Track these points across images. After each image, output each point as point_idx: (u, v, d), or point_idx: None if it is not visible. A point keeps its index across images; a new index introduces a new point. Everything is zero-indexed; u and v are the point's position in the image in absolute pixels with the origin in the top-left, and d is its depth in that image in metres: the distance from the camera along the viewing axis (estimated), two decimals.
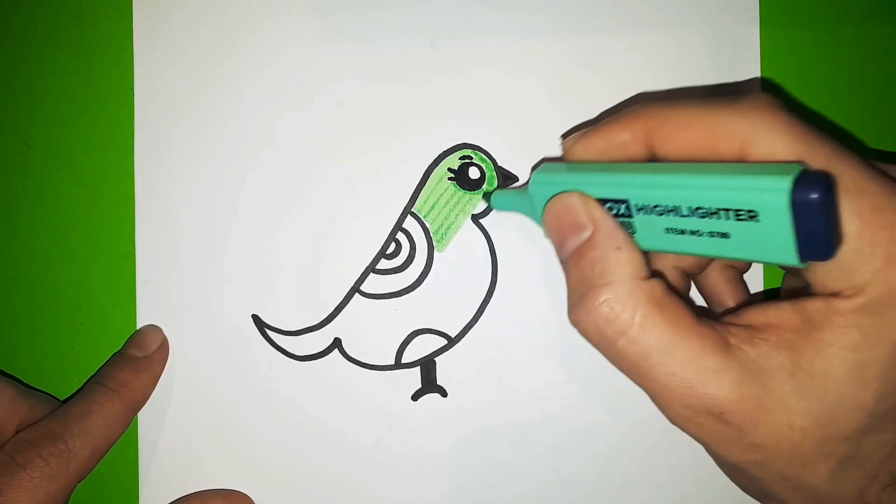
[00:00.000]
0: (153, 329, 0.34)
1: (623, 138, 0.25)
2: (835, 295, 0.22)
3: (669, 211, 0.23)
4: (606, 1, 0.34)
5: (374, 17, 0.34)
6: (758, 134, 0.22)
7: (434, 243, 0.34)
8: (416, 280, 0.34)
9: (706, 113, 0.23)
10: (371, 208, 0.34)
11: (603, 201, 0.24)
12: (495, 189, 0.32)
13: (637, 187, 0.23)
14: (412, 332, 0.34)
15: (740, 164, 0.22)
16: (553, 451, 0.33)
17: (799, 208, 0.20)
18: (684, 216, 0.22)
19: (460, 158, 0.34)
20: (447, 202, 0.34)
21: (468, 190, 0.34)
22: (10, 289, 0.35)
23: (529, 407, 0.33)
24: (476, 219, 0.34)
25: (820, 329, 0.22)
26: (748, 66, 0.34)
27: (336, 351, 0.34)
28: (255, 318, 0.34)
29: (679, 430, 0.24)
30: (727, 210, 0.21)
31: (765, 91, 0.23)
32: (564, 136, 0.28)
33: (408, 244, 0.34)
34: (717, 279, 0.31)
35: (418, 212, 0.34)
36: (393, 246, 0.34)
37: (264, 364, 0.34)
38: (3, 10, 0.35)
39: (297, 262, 0.34)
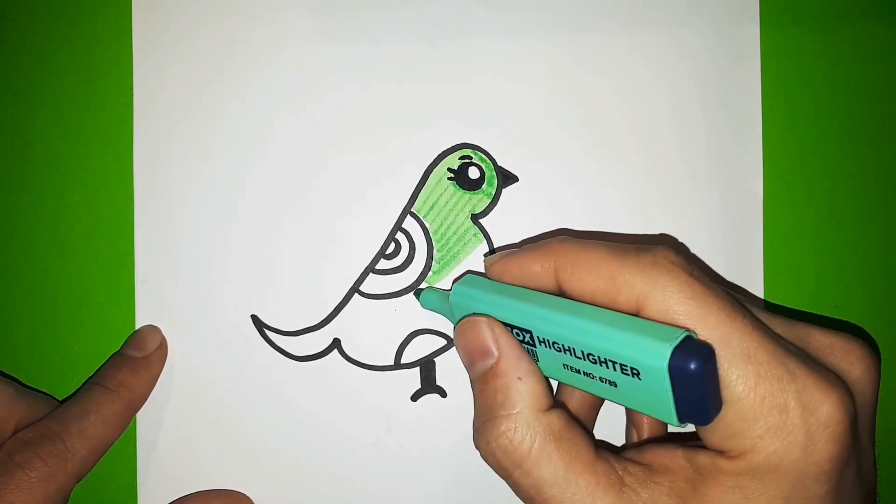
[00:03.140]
0: (152, 329, 0.34)
1: (535, 269, 0.26)
2: (721, 453, 0.22)
3: (565, 350, 0.24)
4: (606, 1, 0.34)
5: (373, 17, 0.34)
6: (653, 291, 0.23)
7: (434, 244, 0.34)
8: (416, 280, 0.34)
9: (609, 262, 0.24)
10: (370, 208, 0.34)
11: (512, 327, 0.26)
12: (427, 288, 0.33)
13: (538, 320, 0.25)
14: (412, 333, 0.34)
15: (634, 318, 0.23)
16: None
17: (676, 376, 0.21)
18: (578, 358, 0.23)
19: (460, 158, 0.34)
20: (447, 202, 0.34)
21: (468, 190, 0.34)
22: (10, 288, 0.35)
23: None
24: (476, 219, 0.34)
25: (707, 485, 0.22)
26: (748, 66, 0.34)
27: (335, 351, 0.34)
28: (255, 319, 0.34)
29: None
30: (613, 362, 0.22)
31: (668, 246, 0.24)
32: (487, 254, 0.30)
33: (407, 244, 0.34)
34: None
35: (418, 212, 0.34)
36: (392, 246, 0.34)
37: (263, 364, 0.34)
38: (3, 10, 0.35)
39: (297, 263, 0.34)
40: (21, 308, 0.35)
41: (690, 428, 0.23)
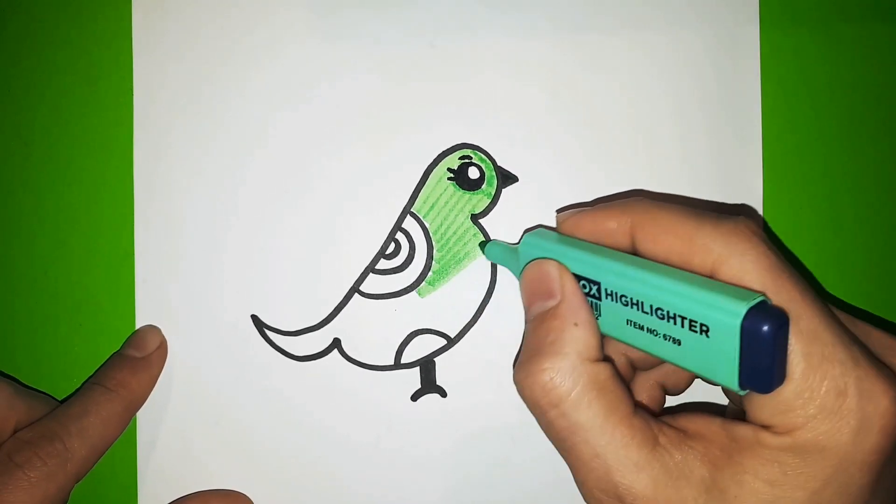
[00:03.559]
0: (152, 329, 0.34)
1: (610, 226, 0.26)
2: (765, 427, 0.22)
3: (633, 304, 0.24)
4: (606, 1, 0.34)
5: (373, 16, 0.34)
6: (730, 257, 0.23)
7: (434, 244, 0.34)
8: (416, 280, 0.34)
9: (688, 224, 0.24)
10: (370, 208, 0.34)
11: (579, 278, 0.25)
12: (492, 240, 0.33)
13: (609, 273, 0.24)
14: (412, 333, 0.34)
15: (708, 279, 0.23)
16: (552, 451, 0.33)
17: (748, 336, 0.20)
18: (645, 313, 0.23)
19: (460, 158, 0.34)
20: (447, 202, 0.34)
21: (467, 190, 0.34)
22: (10, 289, 0.35)
23: None
24: (476, 219, 0.34)
25: (743, 455, 0.22)
26: (748, 66, 0.34)
27: (335, 351, 0.34)
28: (255, 319, 0.34)
29: None
30: (683, 318, 0.22)
31: (749, 217, 0.24)
32: (560, 210, 0.30)
33: (407, 244, 0.34)
34: (677, 378, 0.31)
35: (418, 212, 0.34)
36: (392, 246, 0.34)
37: (263, 364, 0.34)
38: (3, 10, 0.35)
39: (297, 263, 0.34)
40: (21, 308, 0.35)
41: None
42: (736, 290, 0.22)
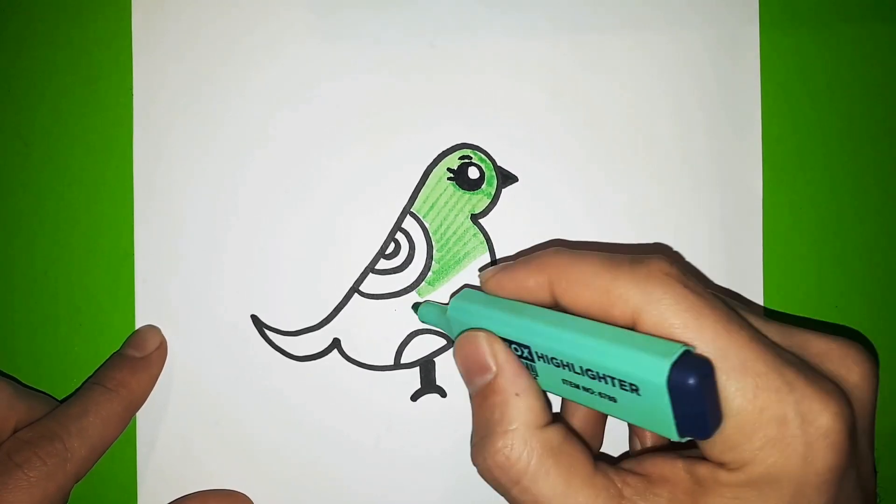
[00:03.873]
0: (152, 329, 0.34)
1: (529, 284, 0.26)
2: (721, 465, 0.22)
3: (564, 365, 0.24)
4: (606, 1, 0.34)
5: (373, 16, 0.34)
6: (648, 304, 0.23)
7: (433, 244, 0.34)
8: (416, 280, 0.34)
9: (604, 275, 0.24)
10: (370, 208, 0.34)
11: (510, 342, 0.25)
12: (425, 302, 0.33)
13: (536, 336, 0.24)
14: (411, 333, 0.34)
15: (631, 332, 0.23)
16: None
17: (675, 392, 0.21)
18: (577, 373, 0.23)
19: (459, 158, 0.34)
20: (446, 202, 0.34)
21: (467, 190, 0.34)
22: (10, 289, 0.35)
23: None
24: (475, 219, 0.34)
25: (707, 496, 0.22)
26: (748, 66, 0.34)
27: (335, 351, 0.34)
28: (254, 319, 0.34)
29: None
30: (612, 378, 0.22)
31: (663, 256, 0.24)
32: (482, 268, 0.30)
33: (407, 244, 0.34)
34: None
35: (417, 212, 0.34)
36: (392, 246, 0.34)
37: (263, 364, 0.34)
38: (3, 10, 0.35)
39: (296, 263, 0.34)
40: (21, 308, 0.35)
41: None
42: (658, 342, 0.22)
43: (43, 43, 0.35)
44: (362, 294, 0.34)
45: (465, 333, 0.26)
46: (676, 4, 0.34)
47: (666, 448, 0.28)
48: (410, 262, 0.34)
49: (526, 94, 0.34)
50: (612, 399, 0.23)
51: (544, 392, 0.25)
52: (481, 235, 0.34)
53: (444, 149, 0.34)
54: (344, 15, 0.34)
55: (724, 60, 0.34)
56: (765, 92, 0.34)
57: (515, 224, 0.34)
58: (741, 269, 0.34)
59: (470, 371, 0.26)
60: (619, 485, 0.23)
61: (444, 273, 0.34)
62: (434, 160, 0.34)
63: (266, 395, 0.34)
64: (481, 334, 0.26)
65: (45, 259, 0.35)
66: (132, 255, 0.34)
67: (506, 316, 0.26)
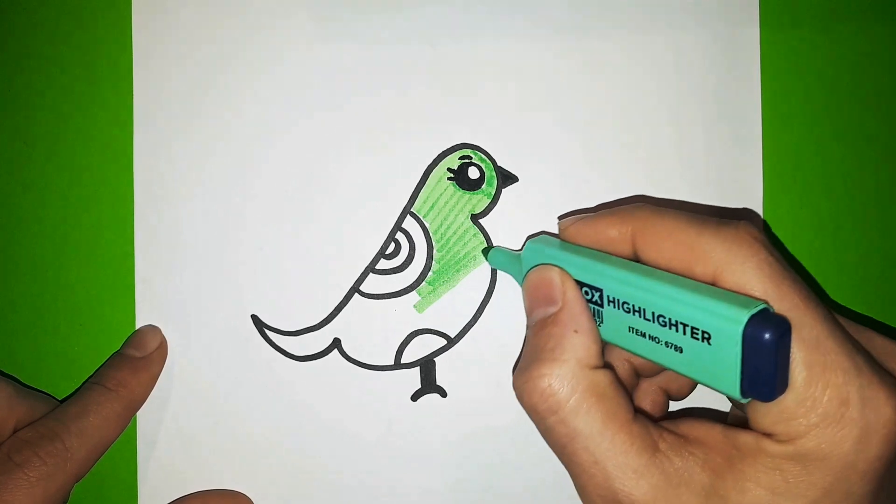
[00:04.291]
0: (152, 329, 0.34)
1: (612, 234, 0.26)
2: (767, 435, 0.22)
3: (635, 311, 0.24)
4: (606, 2, 0.34)
5: (373, 17, 0.34)
6: (732, 264, 0.23)
7: (434, 244, 0.34)
8: (416, 280, 0.34)
9: (689, 231, 0.24)
10: (370, 208, 0.34)
11: (582, 284, 0.26)
12: (495, 247, 0.33)
13: (611, 280, 0.24)
14: (412, 333, 0.34)
15: (710, 286, 0.23)
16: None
17: (749, 344, 0.20)
18: (647, 320, 0.23)
19: (460, 158, 0.34)
20: (447, 202, 0.34)
21: (468, 190, 0.34)
22: (10, 289, 0.35)
23: None
24: (476, 219, 0.34)
25: (745, 462, 0.22)
26: (748, 67, 0.34)
27: (335, 351, 0.34)
28: (255, 319, 0.34)
29: None
30: (685, 325, 0.22)
31: (750, 223, 0.24)
32: (562, 217, 0.30)
33: (407, 244, 0.34)
34: (680, 383, 0.31)
35: (418, 212, 0.34)
36: (392, 246, 0.34)
37: (263, 364, 0.34)
38: (4, 10, 0.35)
39: (297, 262, 0.34)
40: (21, 308, 0.35)
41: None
42: (738, 297, 0.22)
43: (43, 43, 0.35)
44: (363, 294, 0.34)
45: (539, 266, 0.27)
46: (677, 6, 0.34)
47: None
48: (411, 262, 0.34)
49: (526, 94, 0.34)
50: (679, 349, 0.22)
51: (604, 342, 0.25)
52: (481, 235, 0.34)
53: (445, 149, 0.34)
54: (344, 16, 0.34)
55: (724, 61, 0.34)
56: (764, 93, 0.34)
57: (515, 224, 0.34)
58: None
59: (535, 301, 0.26)
60: (655, 437, 0.23)
61: (445, 273, 0.34)
62: (434, 160, 0.34)
63: (266, 394, 0.34)
64: (555, 269, 0.26)
65: (45, 259, 0.35)
66: (132, 254, 0.34)
67: (581, 259, 0.26)
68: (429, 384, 0.34)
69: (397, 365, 0.34)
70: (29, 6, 0.35)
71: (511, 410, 0.33)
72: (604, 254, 0.26)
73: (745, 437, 0.23)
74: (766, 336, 0.20)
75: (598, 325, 0.25)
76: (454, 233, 0.34)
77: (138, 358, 0.33)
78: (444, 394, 0.34)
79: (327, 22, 0.34)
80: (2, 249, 0.35)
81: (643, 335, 0.24)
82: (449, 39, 0.34)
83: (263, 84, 0.34)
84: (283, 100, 0.34)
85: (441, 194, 0.34)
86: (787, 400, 0.21)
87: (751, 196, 0.34)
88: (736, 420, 0.29)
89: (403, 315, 0.34)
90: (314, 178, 0.34)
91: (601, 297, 0.25)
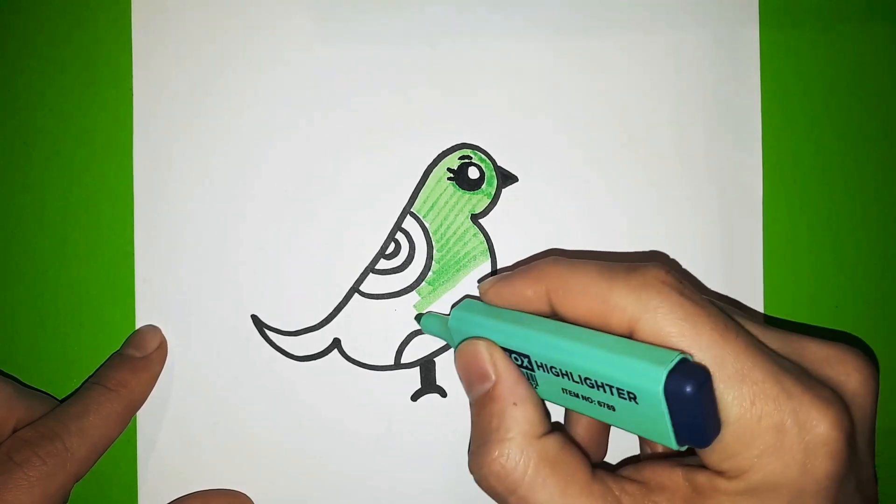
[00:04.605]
0: (152, 329, 0.34)
1: (528, 294, 0.26)
2: (718, 473, 0.22)
3: (563, 374, 0.24)
4: (606, 2, 0.34)
5: (373, 17, 0.34)
6: (645, 313, 0.23)
7: (434, 244, 0.34)
8: (416, 280, 0.34)
9: (600, 284, 0.24)
10: (370, 208, 0.34)
11: (510, 351, 0.26)
12: (427, 313, 0.33)
13: (535, 345, 0.25)
14: (412, 333, 0.34)
15: (629, 341, 0.23)
16: None
17: (673, 400, 0.21)
18: (576, 382, 0.23)
19: (459, 158, 0.34)
20: (446, 202, 0.34)
21: (467, 190, 0.34)
22: (10, 288, 0.35)
23: None
24: (475, 219, 0.34)
25: (705, 502, 0.22)
26: (748, 67, 0.34)
27: (335, 351, 0.34)
28: (255, 319, 0.34)
29: None
30: (610, 386, 0.22)
31: (659, 264, 0.24)
32: (481, 279, 0.30)
33: (407, 244, 0.34)
34: None
35: (417, 212, 0.34)
36: (392, 246, 0.34)
37: (263, 364, 0.34)
38: (4, 10, 0.35)
39: (297, 262, 0.34)
40: (21, 308, 0.35)
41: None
42: (655, 350, 0.22)
43: (43, 43, 0.35)
44: (362, 294, 0.34)
45: (466, 342, 0.27)
46: (676, 6, 0.34)
47: (669, 455, 0.28)
48: (410, 262, 0.34)
49: (526, 94, 0.34)
50: (611, 408, 0.23)
51: (543, 402, 0.26)
52: (481, 235, 0.34)
53: (444, 149, 0.34)
54: (343, 16, 0.34)
55: (724, 61, 0.34)
56: (764, 93, 0.34)
57: (515, 224, 0.34)
58: (742, 270, 0.34)
59: (470, 379, 0.26)
60: (616, 492, 0.23)
61: (444, 273, 0.34)
62: (434, 160, 0.34)
63: (266, 394, 0.34)
64: (481, 342, 0.26)
65: (45, 259, 0.35)
66: (132, 254, 0.34)
67: (505, 325, 0.26)
68: (429, 384, 0.34)
69: (397, 365, 0.34)
70: (29, 6, 0.35)
71: None
72: (528, 315, 0.26)
73: (701, 478, 0.23)
74: (688, 390, 0.20)
75: (535, 388, 0.25)
76: (454, 233, 0.34)
77: (138, 358, 0.33)
78: (444, 394, 0.34)
79: (327, 22, 0.34)
80: (2, 249, 0.35)
81: (576, 395, 0.24)
82: (449, 39, 0.34)
83: (263, 84, 0.34)
84: (283, 100, 0.34)
85: (441, 194, 0.34)
86: (726, 437, 0.22)
87: (751, 196, 0.34)
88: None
89: (403, 315, 0.34)
90: (314, 177, 0.34)
91: (530, 361, 0.25)
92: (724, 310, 0.24)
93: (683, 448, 0.22)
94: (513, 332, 0.26)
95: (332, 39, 0.34)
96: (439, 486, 0.34)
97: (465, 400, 0.33)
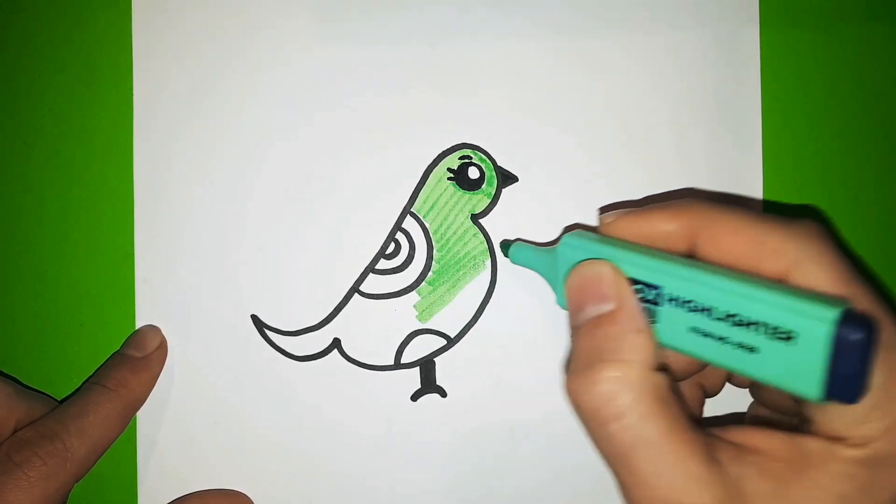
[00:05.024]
0: (152, 329, 0.34)
1: (667, 228, 0.24)
2: (838, 440, 0.21)
3: (702, 310, 0.22)
4: (606, 2, 0.34)
5: (373, 17, 0.34)
6: (805, 260, 0.22)
7: (434, 244, 0.34)
8: (416, 280, 0.34)
9: (757, 226, 0.23)
10: (370, 208, 0.34)
11: (635, 282, 0.24)
12: (517, 240, 0.31)
13: (675, 277, 0.23)
14: (411, 333, 0.34)
15: (783, 284, 0.22)
16: (552, 450, 0.33)
17: (840, 344, 0.19)
18: (716, 319, 0.22)
19: (459, 158, 0.34)
20: (446, 202, 0.34)
21: (468, 190, 0.34)
22: (10, 289, 0.35)
23: (528, 407, 0.33)
24: (476, 219, 0.34)
25: (814, 469, 0.21)
26: (748, 68, 0.34)
27: (335, 351, 0.34)
28: (255, 319, 0.34)
29: None
30: (765, 325, 0.21)
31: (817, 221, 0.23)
32: (603, 210, 0.28)
33: (407, 244, 0.34)
34: (714, 379, 0.30)
35: (418, 212, 0.34)
36: (392, 246, 0.34)
37: (263, 364, 0.34)
38: (4, 10, 0.35)
39: (297, 262, 0.34)
40: (21, 308, 0.35)
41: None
42: (817, 295, 0.21)
43: (43, 43, 0.35)
44: (362, 294, 0.34)
45: (588, 261, 0.24)
46: (676, 6, 0.34)
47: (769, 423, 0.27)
48: (411, 262, 0.34)
49: (526, 94, 0.34)
50: (753, 350, 0.21)
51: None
52: (481, 235, 0.34)
53: (445, 149, 0.34)
54: (343, 16, 0.34)
55: (724, 61, 0.34)
56: (764, 93, 0.34)
57: (515, 224, 0.34)
58: None
59: (583, 298, 0.24)
60: (714, 446, 0.22)
61: (445, 273, 0.34)
62: (434, 160, 0.34)
63: (266, 395, 0.34)
64: (606, 263, 0.24)
65: (45, 259, 0.35)
66: (132, 254, 0.34)
67: (634, 255, 0.24)
68: (429, 384, 0.34)
69: (397, 365, 0.34)
70: (29, 6, 0.35)
71: (511, 410, 0.33)
72: (654, 250, 0.24)
73: (812, 443, 0.22)
74: (857, 336, 0.19)
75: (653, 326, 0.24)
76: (454, 233, 0.34)
77: (138, 358, 0.33)
78: (444, 394, 0.34)
79: (327, 22, 0.34)
80: (2, 249, 0.35)
81: (707, 336, 0.22)
82: (449, 39, 0.34)
83: (263, 84, 0.34)
84: (283, 100, 0.34)
85: (441, 194, 0.34)
86: (865, 402, 0.21)
87: (751, 193, 0.34)
88: (755, 421, 0.28)
89: (403, 315, 0.34)
90: (314, 177, 0.34)
91: (658, 295, 0.23)
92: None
93: (823, 403, 0.21)
94: (643, 261, 0.23)
95: (332, 39, 0.34)
96: (439, 486, 0.34)
97: (466, 400, 0.33)
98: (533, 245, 0.30)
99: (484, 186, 0.34)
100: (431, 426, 0.34)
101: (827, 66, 0.34)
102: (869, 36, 0.34)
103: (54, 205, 0.35)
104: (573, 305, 0.25)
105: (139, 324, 0.34)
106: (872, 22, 0.34)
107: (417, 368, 0.34)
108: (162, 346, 0.33)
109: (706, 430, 0.23)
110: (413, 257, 0.34)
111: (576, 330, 0.24)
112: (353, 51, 0.34)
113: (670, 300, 0.23)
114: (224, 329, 0.34)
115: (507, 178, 0.34)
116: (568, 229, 0.28)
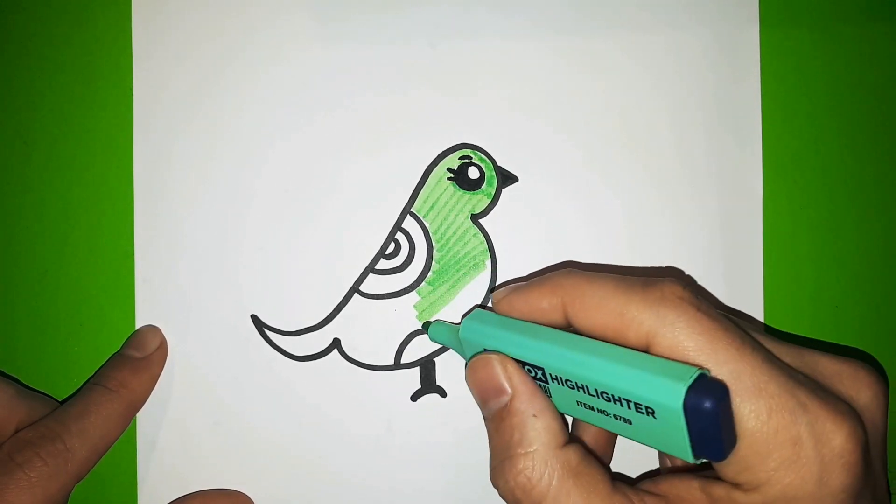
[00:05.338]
0: (152, 329, 0.34)
1: (542, 305, 0.26)
2: (736, 486, 0.23)
3: (579, 387, 0.24)
4: (606, 2, 0.34)
5: (373, 17, 0.34)
6: (663, 327, 0.23)
7: (434, 244, 0.34)
8: (416, 280, 0.34)
9: (617, 298, 0.24)
10: (370, 208, 0.34)
11: (524, 363, 0.25)
12: (435, 322, 0.32)
13: (550, 358, 0.24)
14: (412, 333, 0.34)
15: (646, 355, 0.23)
16: None
17: (691, 415, 0.21)
18: (591, 395, 0.23)
19: (459, 158, 0.34)
20: (446, 202, 0.34)
21: (467, 190, 0.34)
22: (10, 289, 0.35)
23: None
24: (475, 219, 0.34)
25: None
26: (748, 67, 0.34)
27: (335, 351, 0.34)
28: (255, 319, 0.34)
29: None
30: (628, 400, 0.22)
31: (675, 279, 0.24)
32: (494, 289, 0.30)
33: (407, 244, 0.34)
34: None
35: (417, 212, 0.34)
36: (392, 246, 0.34)
37: (263, 364, 0.34)
38: (4, 10, 0.35)
39: (297, 262, 0.34)
40: (21, 308, 0.35)
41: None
42: (673, 365, 0.22)
43: (43, 43, 0.35)
44: (362, 294, 0.34)
45: (478, 357, 0.26)
46: (677, 6, 0.34)
47: (687, 469, 0.28)
48: (410, 262, 0.34)
49: (526, 94, 0.34)
50: (628, 421, 0.23)
51: (560, 413, 0.26)
52: (481, 235, 0.34)
53: (444, 149, 0.34)
54: (343, 17, 0.34)
55: (724, 61, 0.34)
56: (764, 93, 0.34)
57: (515, 224, 0.34)
58: (741, 270, 0.34)
59: (485, 394, 0.26)
60: (638, 502, 0.24)
61: (444, 273, 0.34)
62: (434, 160, 0.34)
63: (266, 395, 0.34)
64: (494, 357, 0.26)
65: (45, 259, 0.35)
66: (132, 254, 0.34)
67: (519, 337, 0.26)
68: (429, 384, 0.34)
69: (397, 365, 0.34)
70: (29, 6, 0.35)
71: None
72: (541, 327, 0.26)
73: (718, 491, 0.23)
74: (707, 405, 0.21)
75: (550, 400, 0.25)
76: (454, 233, 0.34)
77: (138, 358, 0.33)
78: (443, 394, 0.34)
79: (327, 22, 0.34)
80: (2, 249, 0.35)
81: (591, 408, 0.24)
82: (449, 39, 0.34)
83: (263, 84, 0.34)
84: (283, 100, 0.34)
85: (441, 194, 0.34)
86: (742, 450, 0.22)
87: (751, 196, 0.34)
88: (673, 468, 0.30)
89: (403, 315, 0.34)
90: (314, 177, 0.34)
91: (544, 374, 0.25)
92: (739, 325, 0.24)
93: (700, 462, 0.22)
94: (527, 343, 0.25)
95: (332, 39, 0.34)
96: (439, 487, 0.34)
97: (465, 400, 0.33)
98: (449, 324, 0.31)
99: (484, 186, 0.34)
100: (431, 426, 0.34)
101: (827, 66, 0.34)
102: (869, 36, 0.34)
103: (54, 205, 0.35)
104: (477, 401, 0.27)
105: (139, 324, 0.34)
106: (872, 22, 0.34)
107: (417, 368, 0.34)
108: (162, 347, 0.33)
109: (631, 486, 0.24)
110: (413, 257, 0.34)
111: (487, 422, 0.26)
112: (353, 51, 0.34)
113: (553, 378, 0.25)
114: (224, 329, 0.34)
115: (507, 178, 0.34)
116: (468, 312, 0.30)
